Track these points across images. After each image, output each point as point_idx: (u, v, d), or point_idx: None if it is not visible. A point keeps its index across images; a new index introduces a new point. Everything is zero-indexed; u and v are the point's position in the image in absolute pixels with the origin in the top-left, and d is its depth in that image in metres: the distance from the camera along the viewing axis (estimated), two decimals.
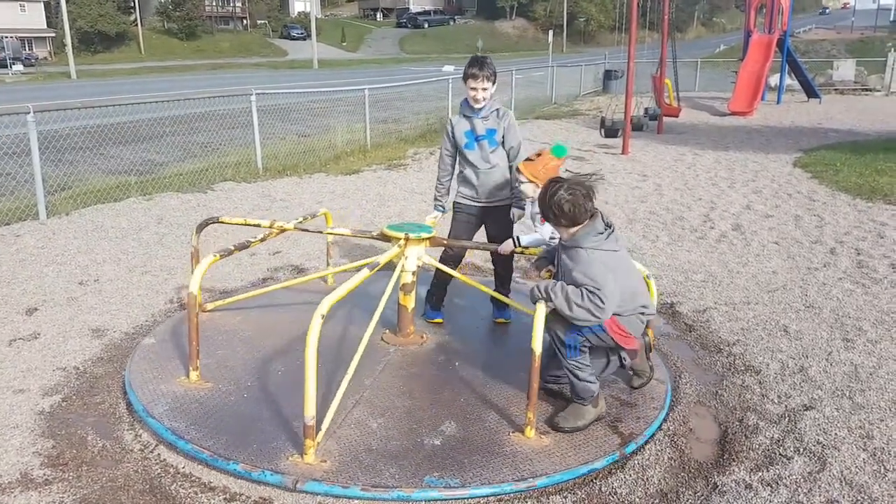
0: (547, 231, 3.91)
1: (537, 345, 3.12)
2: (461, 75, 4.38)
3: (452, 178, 4.60)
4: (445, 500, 2.93)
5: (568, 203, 3.24)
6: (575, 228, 3.30)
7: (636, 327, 3.43)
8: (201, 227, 4.53)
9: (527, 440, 3.27)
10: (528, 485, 2.99)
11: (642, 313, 3.41)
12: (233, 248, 3.96)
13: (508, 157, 4.39)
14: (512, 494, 2.97)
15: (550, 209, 3.30)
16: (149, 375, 3.85)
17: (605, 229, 3.31)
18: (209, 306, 4.77)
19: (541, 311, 3.17)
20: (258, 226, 4.53)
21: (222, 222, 4.56)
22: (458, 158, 4.48)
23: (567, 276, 3.28)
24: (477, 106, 4.28)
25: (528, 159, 4.04)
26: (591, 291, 3.15)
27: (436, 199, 4.66)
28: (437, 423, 3.39)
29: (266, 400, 3.60)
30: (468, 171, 4.42)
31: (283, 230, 4.45)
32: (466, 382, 3.82)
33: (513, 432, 3.33)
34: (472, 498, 2.95)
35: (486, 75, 4.18)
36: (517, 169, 4.08)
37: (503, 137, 4.36)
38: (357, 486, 2.93)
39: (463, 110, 4.38)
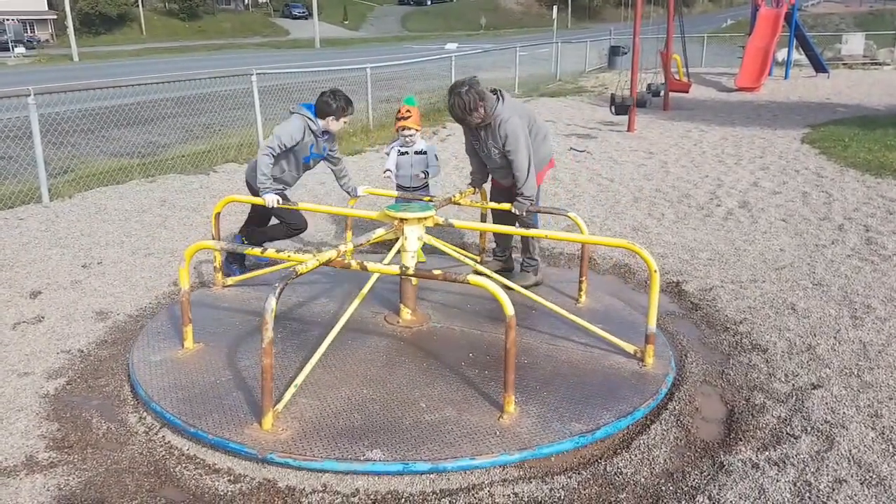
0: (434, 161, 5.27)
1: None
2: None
3: None
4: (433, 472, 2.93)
5: (469, 92, 4.25)
6: (483, 111, 4.31)
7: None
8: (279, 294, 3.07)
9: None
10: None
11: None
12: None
13: (336, 160, 5.05)
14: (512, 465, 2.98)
15: (467, 109, 4.26)
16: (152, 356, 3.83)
17: (494, 93, 4.41)
18: (229, 281, 4.89)
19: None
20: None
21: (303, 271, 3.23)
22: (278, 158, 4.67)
23: (500, 148, 4.44)
24: (334, 133, 4.77)
25: (404, 118, 5.10)
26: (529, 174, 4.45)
27: (269, 186, 4.59)
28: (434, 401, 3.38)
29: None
30: (287, 175, 4.81)
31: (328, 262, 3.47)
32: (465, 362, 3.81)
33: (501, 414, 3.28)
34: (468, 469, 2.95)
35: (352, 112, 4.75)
36: (405, 128, 5.10)
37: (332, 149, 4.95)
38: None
39: (311, 127, 4.64)
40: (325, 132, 4.73)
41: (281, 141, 4.52)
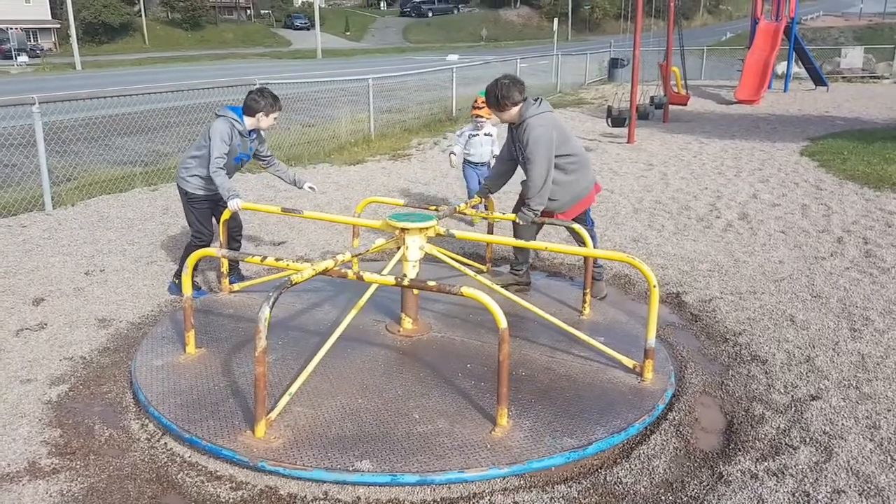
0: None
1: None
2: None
3: None
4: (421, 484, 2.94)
5: (505, 86, 4.42)
6: (517, 107, 4.47)
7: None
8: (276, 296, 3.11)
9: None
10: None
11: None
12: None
13: (267, 160, 5.01)
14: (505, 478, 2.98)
15: (497, 98, 4.44)
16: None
17: (535, 101, 4.50)
18: (235, 287, 4.94)
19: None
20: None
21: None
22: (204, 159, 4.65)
23: (522, 152, 4.52)
24: (263, 130, 4.81)
25: (478, 108, 6.37)
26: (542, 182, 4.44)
27: (232, 190, 4.59)
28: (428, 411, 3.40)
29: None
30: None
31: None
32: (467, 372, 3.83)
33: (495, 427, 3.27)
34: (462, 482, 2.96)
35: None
36: (478, 116, 6.47)
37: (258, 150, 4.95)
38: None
39: (237, 128, 4.63)
40: (253, 131, 4.75)
41: (221, 151, 4.53)
